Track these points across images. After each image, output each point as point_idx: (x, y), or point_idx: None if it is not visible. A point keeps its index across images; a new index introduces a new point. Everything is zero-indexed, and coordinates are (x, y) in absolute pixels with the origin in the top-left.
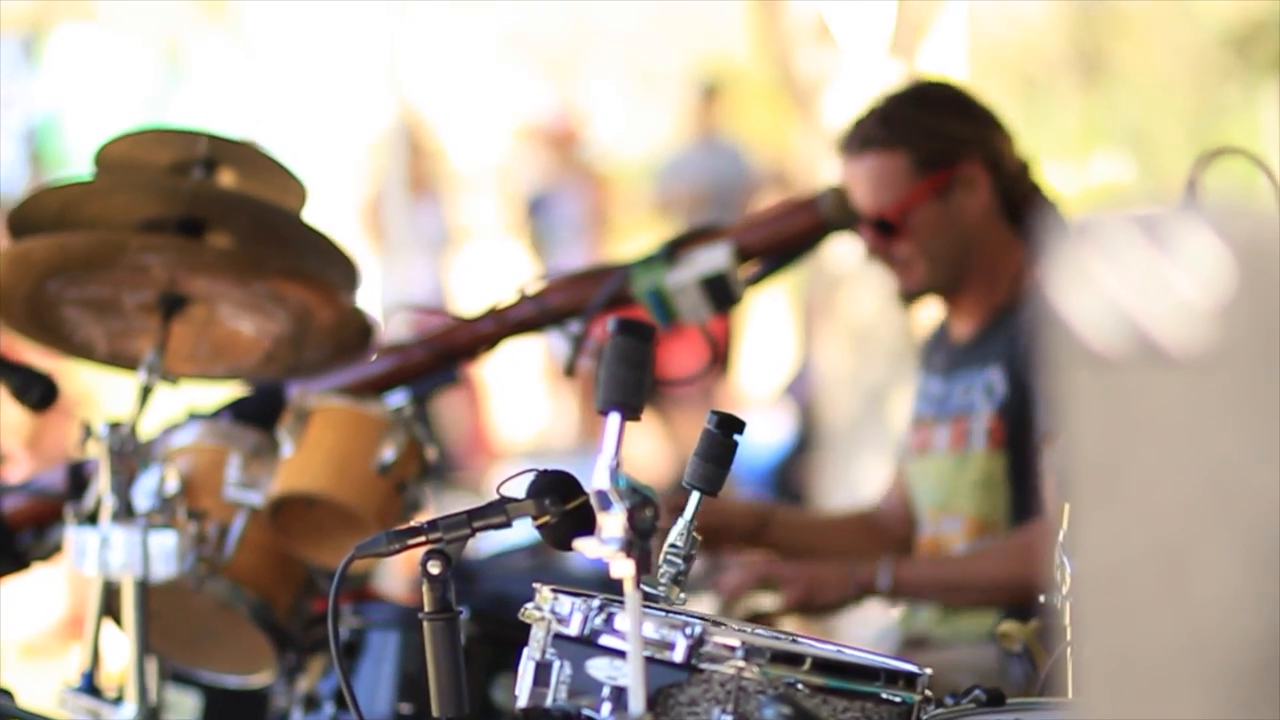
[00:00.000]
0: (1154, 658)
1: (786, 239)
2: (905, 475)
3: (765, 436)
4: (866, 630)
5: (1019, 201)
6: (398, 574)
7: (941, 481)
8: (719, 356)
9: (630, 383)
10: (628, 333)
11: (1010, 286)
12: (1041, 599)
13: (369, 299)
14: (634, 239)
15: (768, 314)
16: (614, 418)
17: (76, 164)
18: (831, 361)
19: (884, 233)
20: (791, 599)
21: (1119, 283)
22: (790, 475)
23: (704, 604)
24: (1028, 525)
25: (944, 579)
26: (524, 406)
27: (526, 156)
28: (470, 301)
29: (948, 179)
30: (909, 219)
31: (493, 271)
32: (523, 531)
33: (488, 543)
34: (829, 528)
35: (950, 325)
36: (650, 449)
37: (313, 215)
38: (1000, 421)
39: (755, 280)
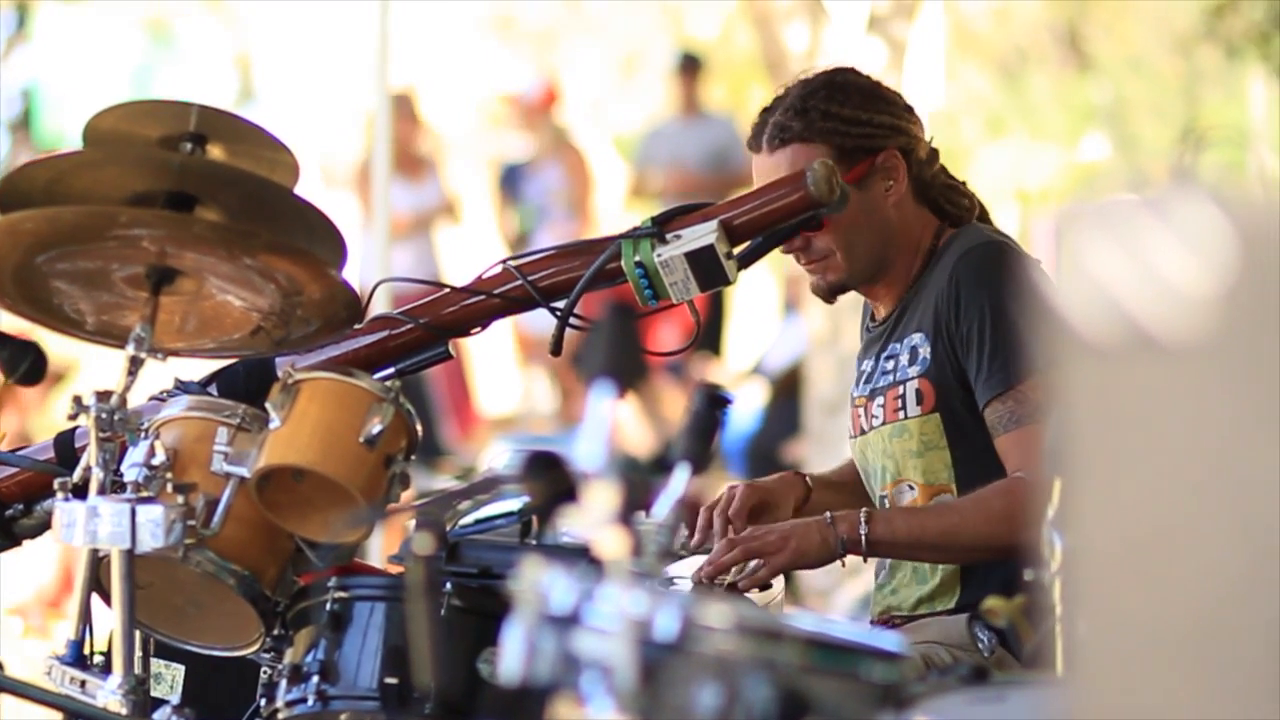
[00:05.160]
0: (1148, 639)
1: (774, 216)
2: (854, 455)
3: (742, 408)
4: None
5: (930, 185)
6: (386, 547)
7: (887, 453)
8: (703, 331)
9: (621, 359)
10: (618, 311)
11: (923, 259)
12: (1026, 575)
13: (356, 273)
14: (615, 213)
15: (748, 286)
16: (604, 393)
17: (62, 139)
18: (813, 332)
19: (806, 228)
20: (776, 567)
21: (1113, 270)
22: (767, 446)
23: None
24: (1004, 484)
25: (922, 538)
26: (497, 381)
27: (509, 131)
28: (456, 277)
29: (867, 169)
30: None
31: (478, 246)
32: (504, 502)
33: (469, 513)
34: (858, 487)
35: (873, 308)
36: (627, 423)
37: (303, 188)
38: (929, 384)
39: (745, 258)
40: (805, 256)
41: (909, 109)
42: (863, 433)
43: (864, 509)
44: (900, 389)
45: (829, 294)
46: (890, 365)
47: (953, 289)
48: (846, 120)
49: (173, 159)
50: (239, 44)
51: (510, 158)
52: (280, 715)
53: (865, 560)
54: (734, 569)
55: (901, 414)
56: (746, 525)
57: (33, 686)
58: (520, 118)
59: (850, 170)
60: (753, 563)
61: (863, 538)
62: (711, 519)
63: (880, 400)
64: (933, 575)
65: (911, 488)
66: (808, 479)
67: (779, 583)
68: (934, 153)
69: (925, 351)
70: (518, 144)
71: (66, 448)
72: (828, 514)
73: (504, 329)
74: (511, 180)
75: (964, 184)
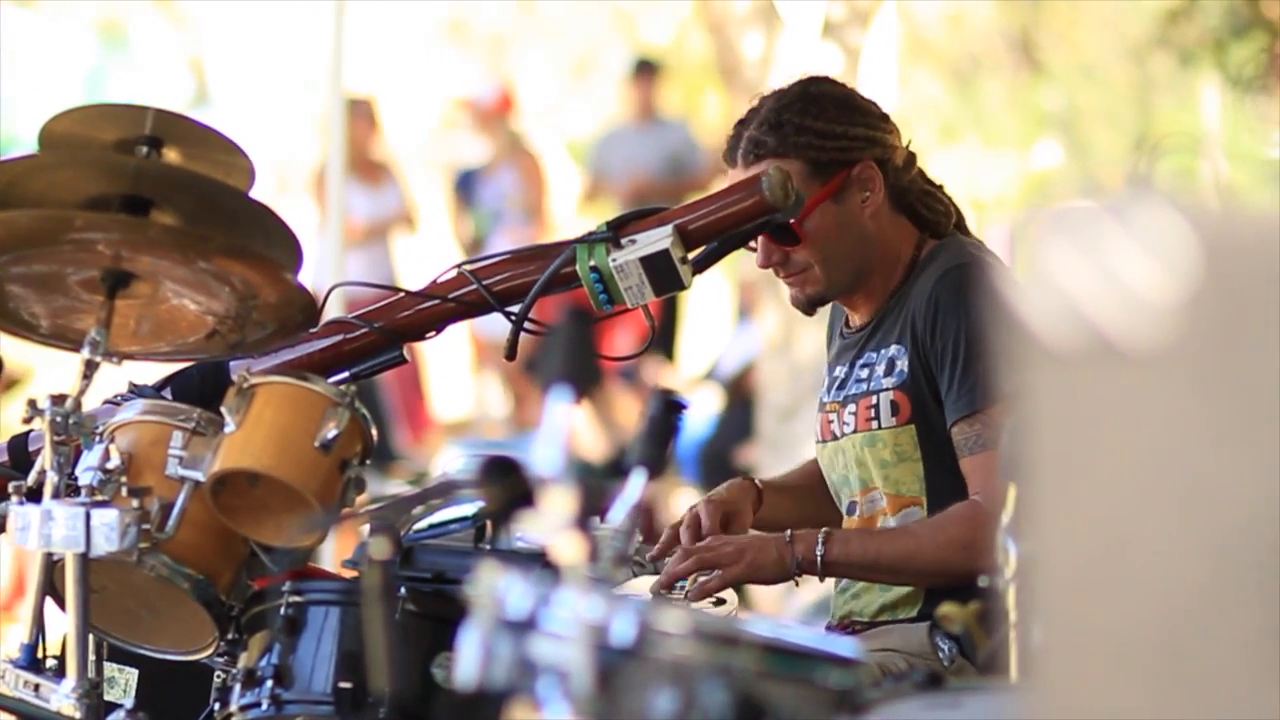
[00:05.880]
0: (1104, 645)
1: (729, 221)
2: (821, 460)
3: (696, 413)
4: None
5: (908, 191)
6: (340, 551)
7: (859, 461)
8: (656, 336)
9: (577, 364)
10: (575, 316)
11: (904, 270)
12: (982, 582)
13: (311, 278)
14: (569, 217)
15: (702, 291)
16: (561, 399)
17: (16, 143)
18: (767, 338)
19: (782, 241)
20: (730, 579)
21: (1073, 276)
22: (720, 451)
23: (645, 584)
24: (961, 510)
25: (878, 562)
26: (450, 386)
27: (464, 136)
28: (411, 282)
29: (843, 180)
30: (807, 225)
31: (434, 252)
32: (459, 507)
33: (423, 518)
34: (805, 493)
35: (849, 316)
36: (581, 428)
37: (259, 193)
38: (904, 396)
39: (700, 263)
40: (784, 270)
41: (884, 117)
42: (833, 438)
43: (823, 529)
44: (874, 399)
45: (808, 306)
46: (865, 374)
47: (931, 306)
48: (821, 134)
49: (128, 163)
50: (193, 47)
51: (465, 163)
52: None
53: (821, 580)
54: (689, 579)
55: (875, 424)
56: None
57: None
58: (475, 122)
59: (826, 184)
60: (704, 575)
61: (819, 558)
62: (678, 536)
63: (853, 408)
64: None
65: (882, 496)
66: (758, 484)
67: (732, 597)
68: (911, 158)
69: (903, 364)
70: (473, 148)
71: (20, 451)
72: (787, 532)
73: (460, 334)
74: (467, 185)
75: (941, 188)
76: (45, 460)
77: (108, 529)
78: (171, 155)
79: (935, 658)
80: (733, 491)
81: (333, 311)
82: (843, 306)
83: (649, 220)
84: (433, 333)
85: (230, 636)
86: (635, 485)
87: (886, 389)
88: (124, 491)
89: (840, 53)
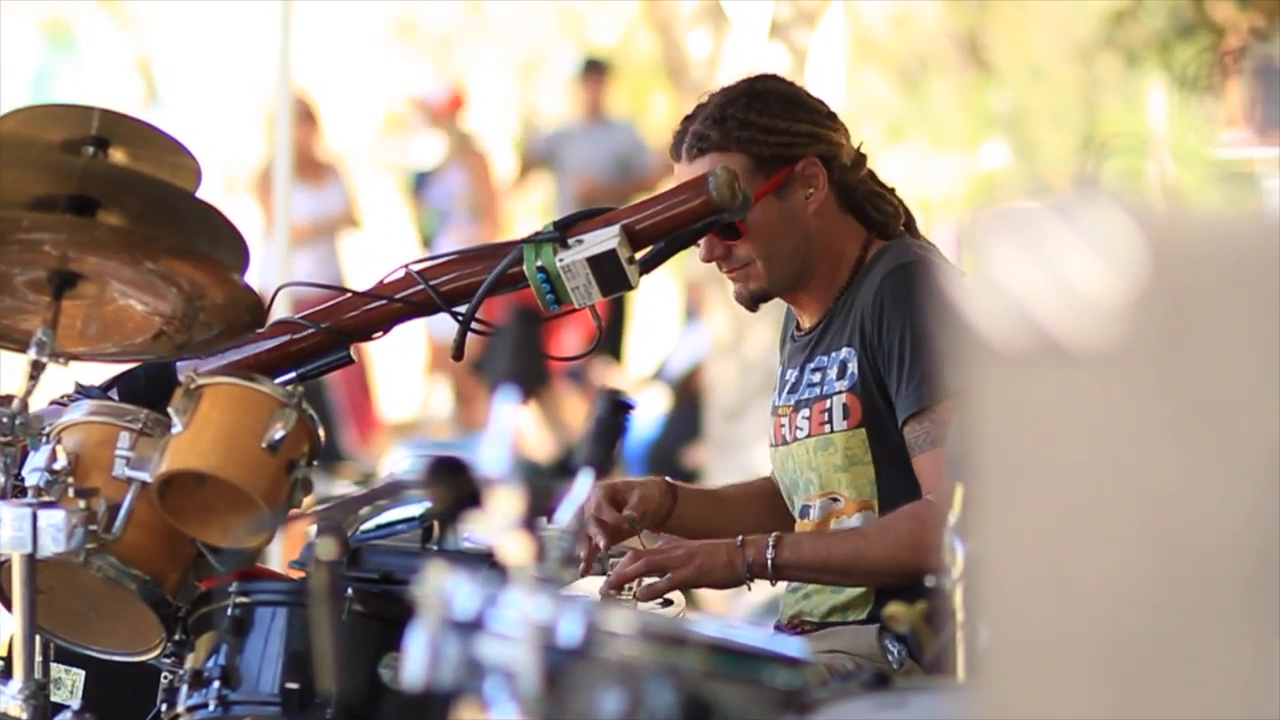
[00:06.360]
0: (1049, 645)
1: (676, 221)
2: (773, 464)
3: (644, 414)
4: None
5: (856, 191)
6: (287, 552)
7: (811, 465)
8: (604, 337)
9: (524, 364)
10: (522, 316)
11: (851, 271)
12: (929, 582)
13: (257, 278)
14: (518, 217)
15: (649, 291)
16: (507, 400)
17: None
18: (715, 338)
19: (725, 236)
20: (678, 581)
21: (1020, 276)
22: (668, 452)
23: (593, 585)
24: (911, 509)
25: (829, 563)
26: (396, 387)
27: (414, 136)
28: (359, 282)
29: (785, 176)
30: (749, 219)
31: (380, 252)
32: (406, 508)
33: (370, 519)
34: (733, 503)
35: (798, 318)
36: (528, 428)
37: (205, 193)
38: (855, 399)
39: (648, 263)
40: (726, 265)
41: (831, 116)
42: (785, 443)
43: (773, 533)
44: (827, 402)
45: (751, 302)
46: (817, 378)
47: (878, 305)
48: (764, 129)
49: (75, 163)
50: (140, 47)
51: (414, 163)
52: None
53: (774, 584)
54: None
55: (827, 427)
56: (613, 512)
57: None
58: (426, 122)
59: (768, 179)
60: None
61: (769, 561)
62: (588, 535)
63: (806, 413)
64: None
65: (836, 500)
66: (677, 489)
67: (679, 598)
68: (860, 158)
69: (854, 367)
70: (426, 147)
71: None
72: (739, 537)
73: (416, 336)
74: (421, 186)
75: (893, 190)
76: None
77: (54, 530)
78: (118, 155)
79: (884, 660)
80: (635, 480)
81: (280, 312)
82: (791, 306)
83: (596, 220)
84: (380, 333)
85: (177, 637)
86: (582, 486)
87: (839, 392)
88: (71, 492)
89: (787, 53)
